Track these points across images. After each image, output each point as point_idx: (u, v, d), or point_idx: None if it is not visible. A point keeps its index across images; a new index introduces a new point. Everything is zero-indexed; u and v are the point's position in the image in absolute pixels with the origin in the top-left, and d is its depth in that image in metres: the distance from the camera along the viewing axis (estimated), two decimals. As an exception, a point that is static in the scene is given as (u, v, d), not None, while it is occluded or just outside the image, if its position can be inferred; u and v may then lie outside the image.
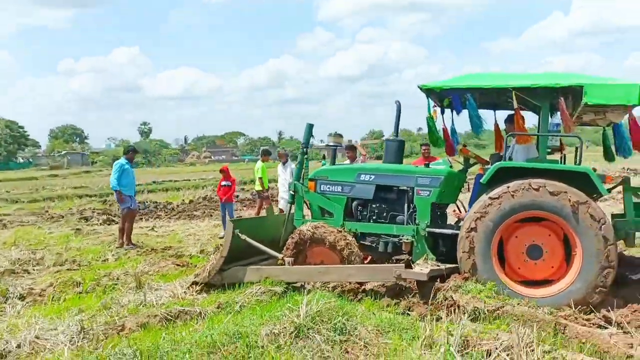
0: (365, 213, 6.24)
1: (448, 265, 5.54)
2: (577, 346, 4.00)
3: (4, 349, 4.25)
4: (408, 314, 5.09)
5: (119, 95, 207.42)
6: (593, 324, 4.61)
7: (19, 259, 8.06)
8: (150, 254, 8.65)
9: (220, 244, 6.58)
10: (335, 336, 4.13)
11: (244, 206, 17.12)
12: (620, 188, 5.90)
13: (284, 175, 10.78)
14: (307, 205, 6.54)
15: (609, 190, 5.65)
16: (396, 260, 6.26)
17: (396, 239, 5.99)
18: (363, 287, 5.84)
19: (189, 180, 32.15)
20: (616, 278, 5.29)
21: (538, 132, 5.70)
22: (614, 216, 5.94)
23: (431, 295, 5.08)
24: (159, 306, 5.21)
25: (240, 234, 5.78)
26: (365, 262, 6.32)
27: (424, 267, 5.48)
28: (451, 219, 6.88)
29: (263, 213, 10.24)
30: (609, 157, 6.30)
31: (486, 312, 4.71)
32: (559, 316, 4.63)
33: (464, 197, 6.81)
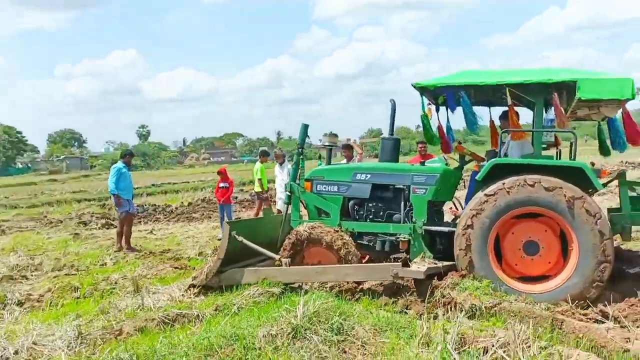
0: (362, 212, 6.24)
1: (445, 263, 5.55)
2: (574, 341, 4.00)
3: (1, 356, 4.24)
4: (406, 312, 5.09)
5: (117, 99, 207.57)
6: (590, 319, 4.61)
7: (17, 264, 8.07)
8: (149, 257, 8.65)
9: (218, 246, 6.57)
10: (332, 336, 4.13)
11: (243, 207, 17.13)
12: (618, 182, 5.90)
13: (281, 175, 10.79)
14: (304, 205, 6.55)
15: (605, 185, 5.65)
16: (394, 259, 6.26)
17: (393, 238, 5.99)
18: (361, 286, 5.84)
19: (188, 182, 32.15)
20: (613, 272, 5.30)
21: (533, 128, 5.70)
22: (610, 210, 5.94)
23: (428, 293, 5.08)
24: (156, 310, 5.21)
25: (236, 236, 5.77)
26: (364, 261, 6.32)
27: (421, 265, 5.48)
28: (448, 217, 6.88)
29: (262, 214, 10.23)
30: (604, 151, 6.31)
31: (483, 309, 4.71)
32: (556, 312, 4.63)
33: (461, 194, 6.81)
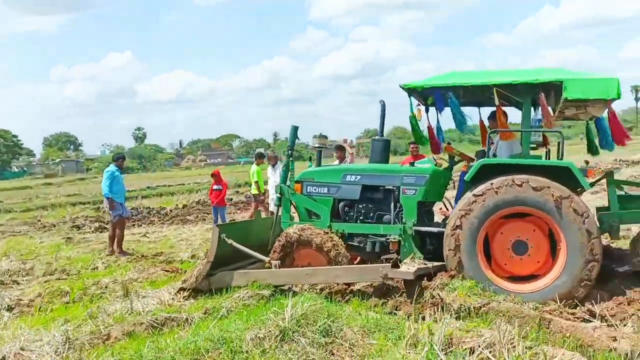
0: (352, 214, 6.24)
1: (435, 264, 5.55)
2: (561, 341, 4.01)
3: (-12, 362, 4.23)
4: (395, 313, 5.08)
5: (113, 101, 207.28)
6: (578, 318, 4.62)
7: (8, 269, 8.04)
8: (141, 260, 8.63)
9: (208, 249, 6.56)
10: (320, 338, 4.13)
11: (238, 209, 17.11)
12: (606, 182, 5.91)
13: (274, 177, 10.78)
14: (294, 207, 6.54)
15: (592, 184, 5.66)
16: (386, 260, 6.26)
17: (383, 239, 5.99)
18: (351, 288, 5.84)
19: (183, 184, 32.11)
20: (603, 271, 5.31)
21: (521, 128, 5.72)
22: (598, 209, 5.96)
23: (416, 294, 5.08)
24: (145, 314, 5.19)
25: (226, 239, 5.76)
26: (355, 262, 6.32)
27: (410, 266, 5.47)
28: (438, 217, 6.89)
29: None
30: (592, 150, 6.33)
31: (472, 309, 4.72)
32: (544, 311, 4.65)
33: (451, 194, 6.82)
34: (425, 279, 5.34)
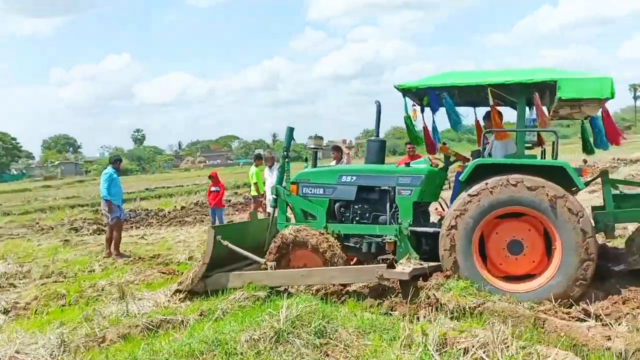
0: (347, 214, 6.24)
1: (430, 264, 5.54)
2: (555, 340, 4.01)
3: (-17, 366, 4.23)
4: (391, 314, 5.08)
5: (111, 103, 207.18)
6: (573, 318, 4.61)
7: (5, 272, 8.03)
8: (137, 262, 8.63)
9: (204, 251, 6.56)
10: (315, 339, 4.12)
11: (236, 210, 17.13)
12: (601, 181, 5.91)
13: (271, 179, 10.77)
14: (290, 208, 6.54)
15: (587, 184, 5.67)
16: (382, 260, 6.25)
17: (379, 239, 5.99)
18: (347, 288, 5.84)
19: (182, 186, 32.10)
20: (599, 270, 5.32)
21: (516, 127, 5.72)
22: (594, 208, 5.96)
23: (411, 294, 5.08)
24: (140, 316, 5.19)
25: (222, 240, 5.76)
26: (351, 263, 6.32)
27: (406, 266, 5.48)
28: (434, 217, 6.89)
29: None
30: (588, 150, 6.33)
31: (467, 309, 4.72)
32: (539, 311, 4.64)
33: (446, 194, 6.82)
34: (420, 279, 5.34)
